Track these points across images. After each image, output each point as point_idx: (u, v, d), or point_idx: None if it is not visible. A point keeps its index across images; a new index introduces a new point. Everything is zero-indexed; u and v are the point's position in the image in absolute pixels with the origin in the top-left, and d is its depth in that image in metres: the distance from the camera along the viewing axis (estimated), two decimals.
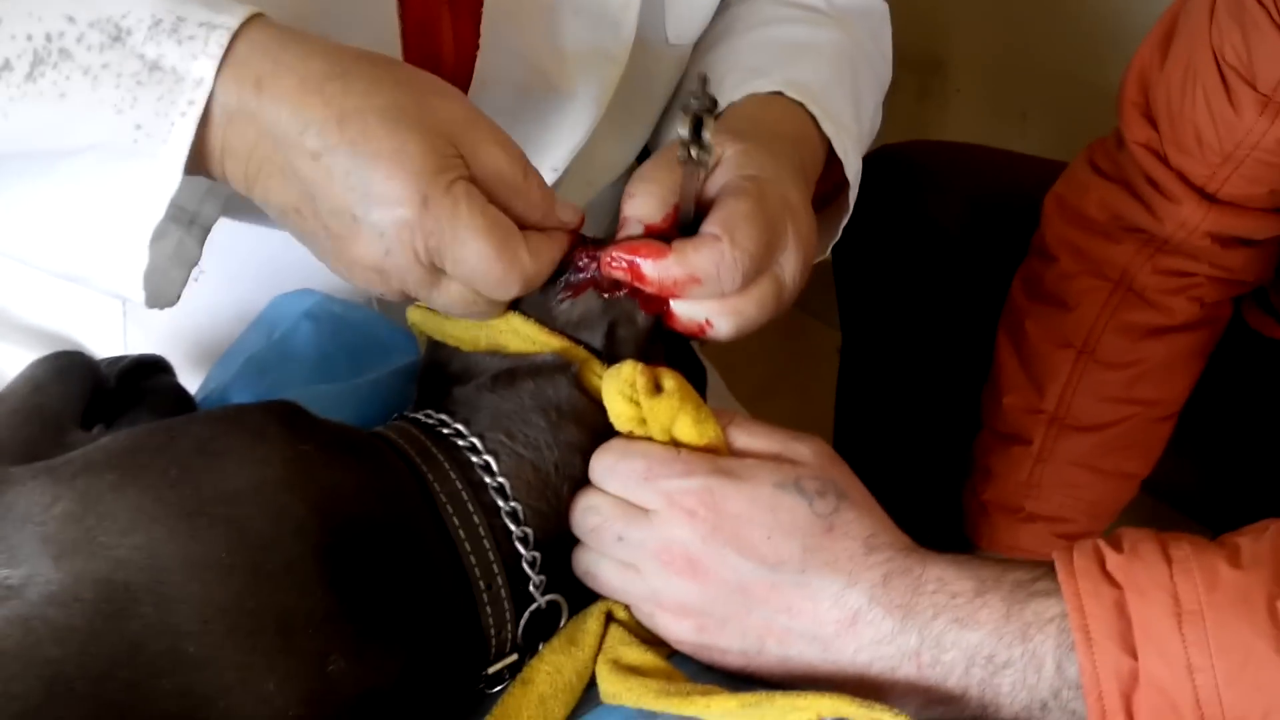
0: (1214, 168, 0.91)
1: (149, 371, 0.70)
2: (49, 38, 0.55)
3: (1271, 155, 0.89)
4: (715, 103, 0.60)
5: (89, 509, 0.52)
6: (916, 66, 1.68)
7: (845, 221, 0.83)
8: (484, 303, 0.60)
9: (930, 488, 1.19)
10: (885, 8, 0.95)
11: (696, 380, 0.67)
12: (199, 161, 0.58)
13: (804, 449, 0.60)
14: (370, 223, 0.56)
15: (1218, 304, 0.99)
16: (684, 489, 0.58)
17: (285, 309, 0.74)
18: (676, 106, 0.89)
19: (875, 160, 1.15)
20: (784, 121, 0.76)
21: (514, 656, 0.59)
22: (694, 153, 0.59)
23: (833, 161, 0.79)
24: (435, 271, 0.58)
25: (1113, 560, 0.54)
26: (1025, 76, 1.57)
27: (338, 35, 0.71)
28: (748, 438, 0.61)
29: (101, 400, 0.66)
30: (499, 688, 0.59)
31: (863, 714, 0.53)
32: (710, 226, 0.62)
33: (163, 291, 0.63)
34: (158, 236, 0.60)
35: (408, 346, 0.74)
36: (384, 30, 0.74)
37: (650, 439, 0.60)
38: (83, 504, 0.53)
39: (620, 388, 0.60)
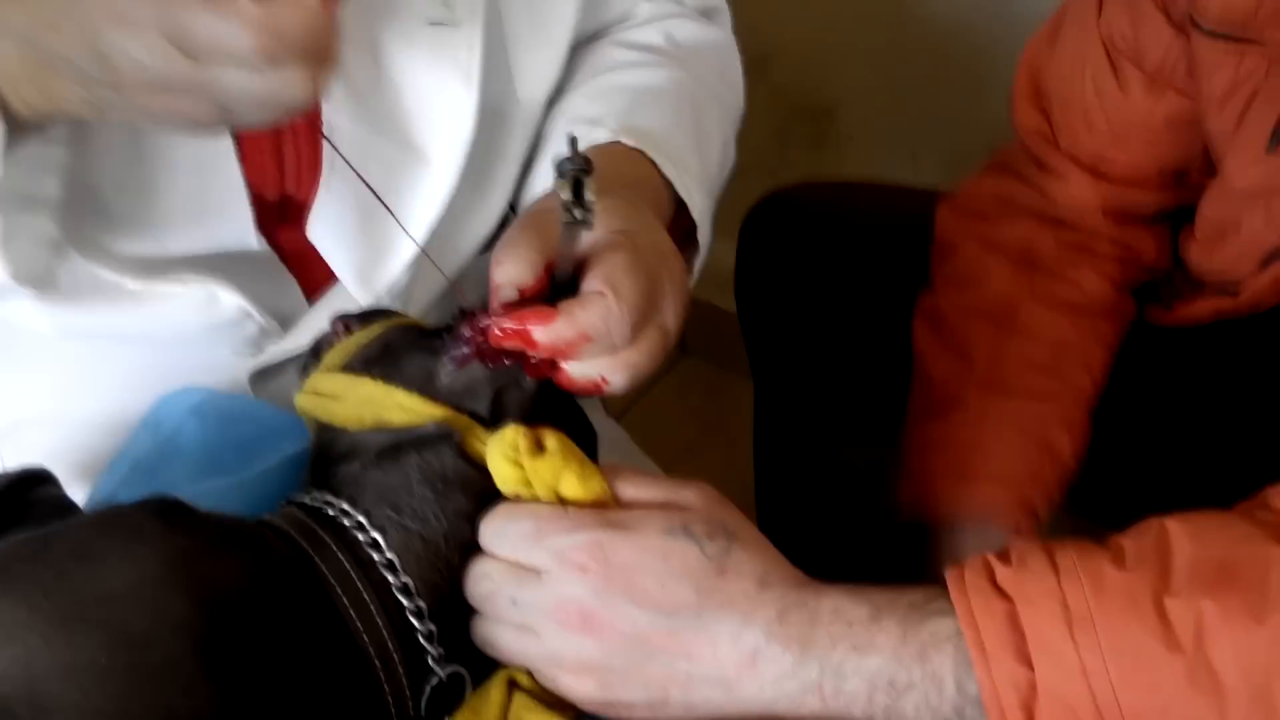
0: (1103, 148, 0.94)
1: (31, 485, 0.69)
2: None
3: (1157, 134, 0.92)
4: (589, 162, 0.59)
5: None
6: (808, 116, 1.71)
7: (700, 263, 0.83)
8: (283, 74, 0.55)
9: (855, 526, 1.19)
10: (731, 40, 0.96)
11: (587, 442, 0.66)
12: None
13: (690, 494, 0.60)
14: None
15: (1124, 289, 1.00)
16: (573, 545, 0.57)
17: (170, 407, 0.73)
18: (537, 165, 0.89)
19: (768, 206, 1.17)
20: (625, 169, 0.77)
21: None
22: (578, 214, 0.58)
23: (679, 204, 0.80)
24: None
25: (1002, 573, 0.54)
26: (912, 118, 1.60)
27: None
28: (634, 489, 0.60)
29: None
30: None
31: None
32: (592, 283, 0.62)
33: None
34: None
35: (298, 433, 0.72)
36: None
37: (537, 499, 0.60)
38: None
39: (504, 450, 0.60)
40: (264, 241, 0.77)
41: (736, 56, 0.96)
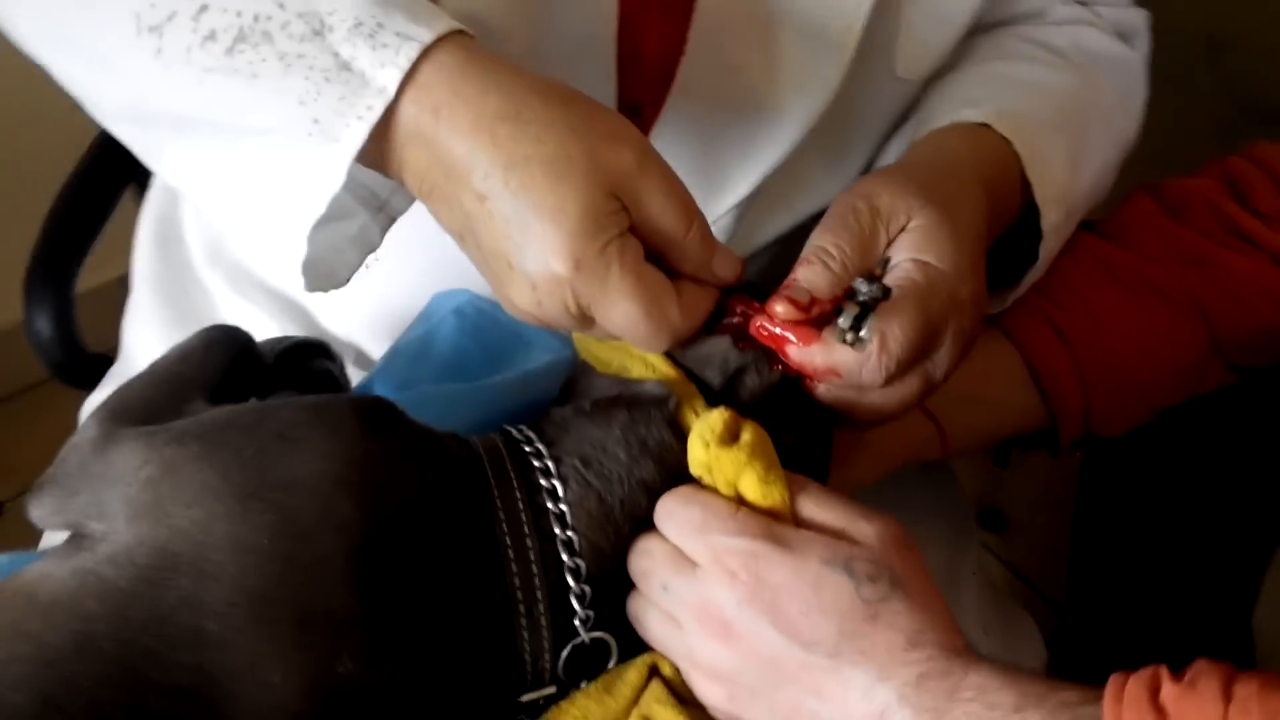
0: None
1: (312, 354, 0.73)
2: (256, 18, 0.58)
3: None
4: (887, 292, 0.60)
5: (166, 477, 0.55)
6: (1263, 116, 1.53)
7: (1034, 277, 0.77)
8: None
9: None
10: (1143, 67, 0.88)
11: (816, 450, 0.64)
12: (378, 165, 0.60)
13: (869, 529, 0.56)
14: (524, 272, 0.57)
15: None
16: (731, 548, 0.55)
17: (440, 304, 0.75)
18: (897, 138, 0.85)
19: None
20: (982, 158, 0.73)
21: (552, 689, 0.59)
22: (849, 338, 0.60)
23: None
24: (586, 319, 0.59)
25: (1167, 690, 0.49)
26: None
27: (558, 19, 0.72)
28: (815, 508, 0.58)
29: (258, 376, 0.70)
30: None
31: None
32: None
33: (333, 271, 0.66)
34: (342, 217, 0.63)
35: (551, 345, 0.73)
36: (600, 17, 0.74)
37: (717, 490, 0.58)
38: (163, 471, 0.56)
39: (702, 431, 0.58)
40: None
41: (1143, 84, 0.88)
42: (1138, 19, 0.89)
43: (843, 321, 0.59)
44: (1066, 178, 0.76)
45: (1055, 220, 0.74)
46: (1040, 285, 0.79)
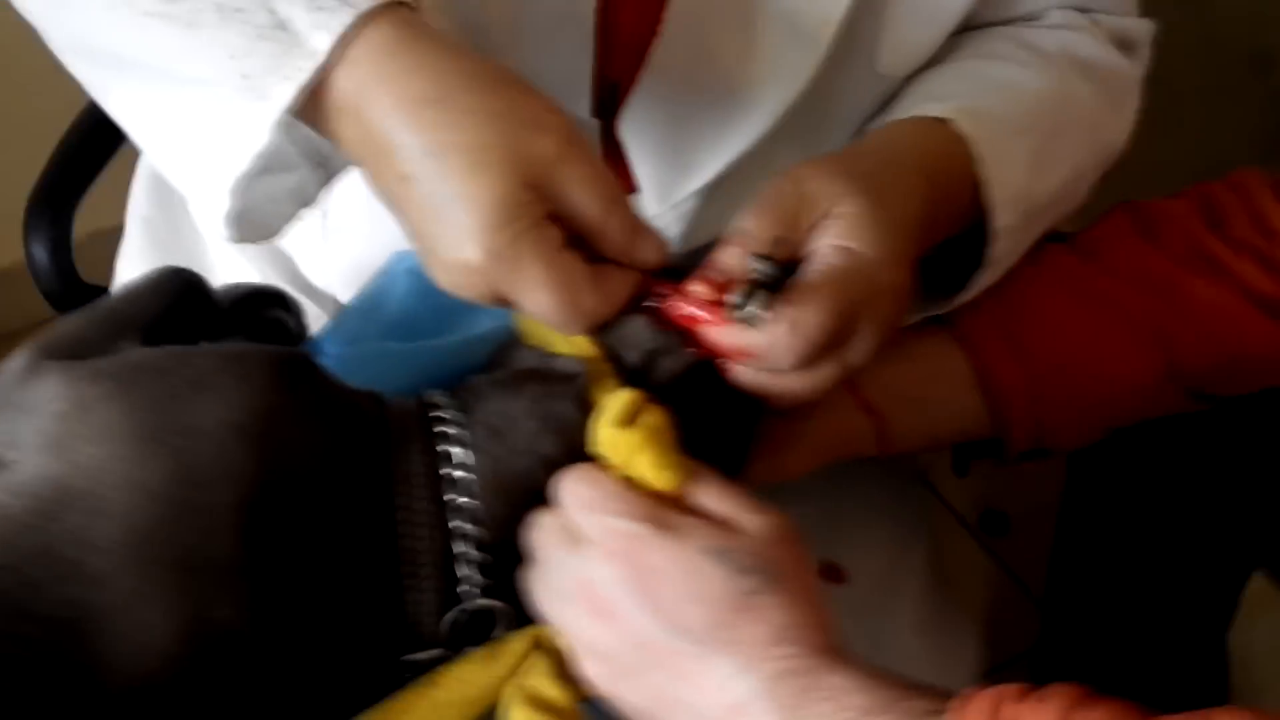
0: None
1: (268, 303, 0.73)
2: None
3: None
4: (786, 274, 0.60)
5: (76, 412, 0.56)
6: None
7: (986, 281, 0.75)
8: None
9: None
10: (1138, 79, 0.86)
11: (731, 434, 0.64)
12: (315, 126, 0.61)
13: (756, 521, 0.56)
14: (440, 257, 0.58)
15: None
16: (614, 529, 0.55)
17: (398, 261, 0.75)
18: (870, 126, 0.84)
19: None
20: (928, 151, 0.71)
21: (439, 652, 0.59)
22: (743, 314, 0.60)
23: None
24: (505, 303, 0.60)
25: (1011, 706, 0.49)
26: None
27: None
28: (706, 496, 0.58)
29: (213, 321, 0.70)
30: None
31: None
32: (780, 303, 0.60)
33: (264, 223, 0.66)
34: (282, 169, 0.63)
35: (499, 313, 0.73)
36: None
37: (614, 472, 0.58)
38: (74, 406, 0.56)
39: (604, 411, 0.58)
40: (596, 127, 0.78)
41: (1136, 94, 0.86)
42: (1141, 30, 0.87)
43: (730, 298, 0.59)
44: (1026, 181, 0.74)
45: (1008, 222, 0.73)
46: (999, 292, 0.78)
